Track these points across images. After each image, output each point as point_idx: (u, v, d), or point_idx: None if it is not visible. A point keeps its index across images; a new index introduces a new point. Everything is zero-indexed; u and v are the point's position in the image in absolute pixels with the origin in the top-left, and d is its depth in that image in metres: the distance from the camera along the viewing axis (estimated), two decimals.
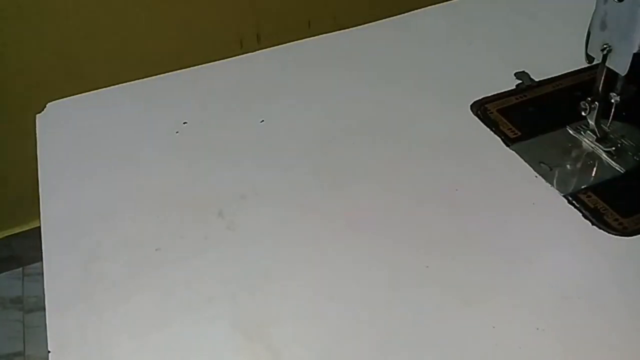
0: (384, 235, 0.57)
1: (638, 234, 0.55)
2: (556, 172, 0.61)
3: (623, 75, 0.58)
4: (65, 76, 1.34)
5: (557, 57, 0.73)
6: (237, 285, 0.53)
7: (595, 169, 0.62)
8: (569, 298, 0.51)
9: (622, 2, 0.54)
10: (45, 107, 0.73)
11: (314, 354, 0.48)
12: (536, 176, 0.61)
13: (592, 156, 0.63)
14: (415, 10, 0.84)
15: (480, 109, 0.69)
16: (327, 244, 0.56)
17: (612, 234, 0.55)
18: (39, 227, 0.59)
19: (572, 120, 0.65)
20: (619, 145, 0.63)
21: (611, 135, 0.63)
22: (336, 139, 0.67)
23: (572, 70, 0.72)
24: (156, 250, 0.57)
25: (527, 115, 0.68)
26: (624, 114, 0.63)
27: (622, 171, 0.61)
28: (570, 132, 0.65)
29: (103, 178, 0.64)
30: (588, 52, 0.60)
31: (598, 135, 0.63)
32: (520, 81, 0.72)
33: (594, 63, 0.60)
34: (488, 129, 0.67)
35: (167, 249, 0.57)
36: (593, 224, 0.56)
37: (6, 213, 1.52)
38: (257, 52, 0.79)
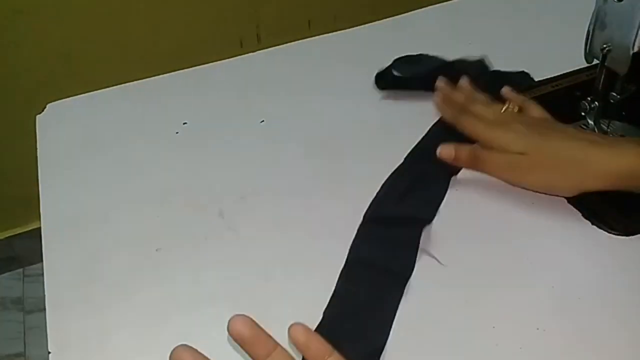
0: None
1: (638, 233, 0.55)
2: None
3: (623, 75, 0.58)
4: (65, 76, 1.34)
5: (557, 57, 0.73)
6: (238, 286, 0.53)
7: None
8: (569, 298, 0.51)
9: (621, 2, 0.54)
10: (45, 107, 0.73)
11: None
12: None
13: None
14: (415, 11, 0.84)
15: None
16: (327, 244, 0.56)
17: (612, 234, 0.55)
18: (39, 228, 0.59)
19: (572, 120, 0.65)
20: None
21: (611, 135, 0.63)
22: (336, 139, 0.67)
23: (571, 70, 0.72)
24: (156, 250, 0.57)
25: None
26: (623, 113, 0.63)
27: None
28: None
29: (103, 178, 0.64)
30: (588, 51, 0.60)
31: None
32: None
33: (594, 63, 0.60)
34: None
35: (168, 249, 0.57)
36: (593, 223, 0.56)
37: (6, 213, 1.53)
38: (257, 52, 0.80)
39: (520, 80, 0.71)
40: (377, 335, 0.49)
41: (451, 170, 0.61)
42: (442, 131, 0.65)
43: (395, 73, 0.71)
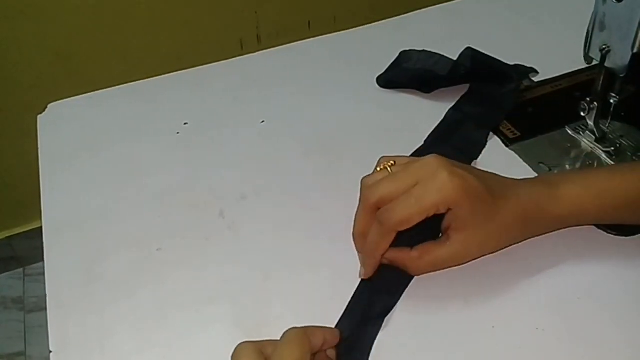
0: None
1: (637, 233, 0.55)
2: (555, 173, 0.61)
3: (622, 75, 0.58)
4: (66, 77, 1.35)
5: (557, 57, 0.74)
6: (238, 285, 0.53)
7: None
8: (569, 298, 0.51)
9: (621, 3, 0.55)
10: (46, 107, 0.73)
11: None
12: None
13: (592, 156, 0.63)
14: (415, 11, 0.85)
15: None
16: (327, 244, 0.56)
17: (612, 233, 0.55)
18: (40, 228, 0.59)
19: (571, 121, 0.65)
20: (618, 145, 0.63)
21: (610, 136, 0.64)
22: (336, 139, 0.67)
23: (571, 70, 0.72)
24: (157, 250, 0.57)
25: (526, 116, 0.68)
26: (622, 114, 0.64)
27: None
28: (570, 132, 0.65)
29: (104, 178, 0.64)
30: (587, 52, 0.60)
31: (597, 135, 0.63)
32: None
33: (593, 64, 0.60)
34: None
35: (168, 249, 0.57)
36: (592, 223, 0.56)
37: (7, 213, 1.53)
38: (258, 52, 0.80)
39: (515, 73, 0.71)
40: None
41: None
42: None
43: (405, 65, 0.73)
